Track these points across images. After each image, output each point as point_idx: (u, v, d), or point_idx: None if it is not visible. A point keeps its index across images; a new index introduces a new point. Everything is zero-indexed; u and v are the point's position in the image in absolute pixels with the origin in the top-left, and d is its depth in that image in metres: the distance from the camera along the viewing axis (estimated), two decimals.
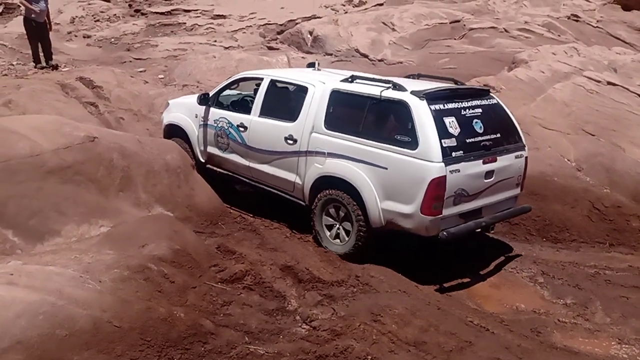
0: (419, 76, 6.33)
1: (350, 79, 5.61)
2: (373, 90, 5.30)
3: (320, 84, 5.72)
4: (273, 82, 6.21)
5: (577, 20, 15.63)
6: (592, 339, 4.53)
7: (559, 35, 14.48)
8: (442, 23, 15.17)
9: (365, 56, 13.47)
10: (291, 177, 5.81)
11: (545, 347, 4.33)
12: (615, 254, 5.90)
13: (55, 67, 11.43)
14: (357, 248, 5.28)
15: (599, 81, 7.87)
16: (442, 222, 4.94)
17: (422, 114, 4.86)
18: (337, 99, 5.54)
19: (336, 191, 5.39)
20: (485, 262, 5.73)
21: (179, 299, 3.85)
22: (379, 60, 13.12)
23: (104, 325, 3.38)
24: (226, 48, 14.96)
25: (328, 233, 5.55)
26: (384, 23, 15.03)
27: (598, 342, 4.50)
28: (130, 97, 9.30)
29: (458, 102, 5.17)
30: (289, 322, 4.12)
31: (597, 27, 15.42)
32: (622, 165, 6.60)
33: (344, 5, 19.44)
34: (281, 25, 16.97)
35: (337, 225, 5.49)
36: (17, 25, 14.65)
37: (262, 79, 6.31)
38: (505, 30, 14.56)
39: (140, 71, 12.26)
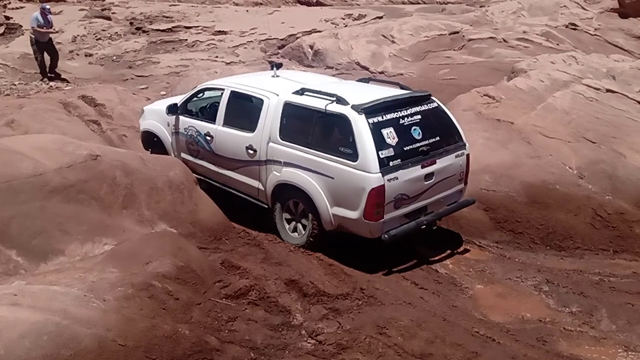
0: (369, 80, 6.79)
1: (300, 91, 5.81)
2: (319, 103, 5.57)
3: (274, 96, 5.94)
4: (233, 93, 6.40)
5: (575, 29, 15.68)
6: (598, 347, 4.51)
7: (557, 44, 14.52)
8: (441, 34, 15.23)
9: (366, 68, 13.52)
10: (255, 183, 6.15)
11: (551, 356, 4.31)
12: (619, 261, 5.88)
13: (58, 76, 12.47)
14: (312, 242, 5.68)
15: (598, 89, 7.87)
16: (385, 224, 5.33)
17: (361, 128, 5.20)
18: (289, 111, 5.81)
19: (294, 193, 5.75)
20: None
21: (183, 316, 3.85)
22: (380, 73, 13.17)
23: (109, 344, 3.39)
24: (227, 63, 15.03)
25: (287, 226, 5.93)
26: (383, 36, 15.11)
27: (604, 349, 4.48)
28: (132, 115, 9.34)
29: (397, 111, 5.49)
30: (295, 336, 4.12)
31: (594, 35, 15.47)
32: (623, 172, 6.59)
33: (344, 19, 19.58)
34: (282, 39, 17.06)
35: (295, 223, 5.86)
36: (18, 45, 14.79)
37: (223, 90, 6.51)
38: (504, 40, 14.61)
39: (143, 88, 12.34)
